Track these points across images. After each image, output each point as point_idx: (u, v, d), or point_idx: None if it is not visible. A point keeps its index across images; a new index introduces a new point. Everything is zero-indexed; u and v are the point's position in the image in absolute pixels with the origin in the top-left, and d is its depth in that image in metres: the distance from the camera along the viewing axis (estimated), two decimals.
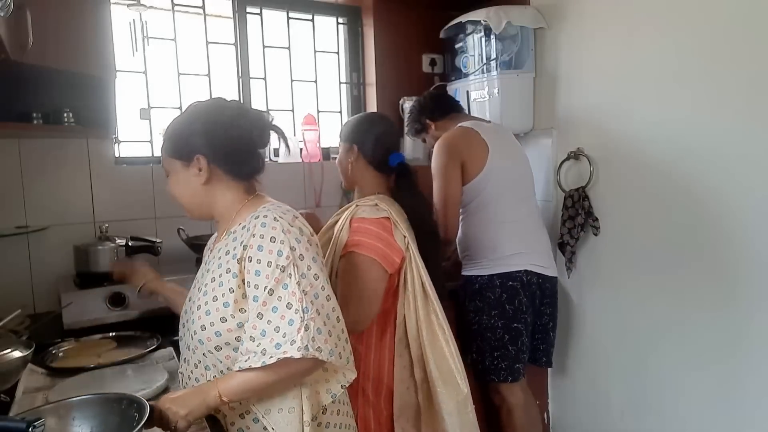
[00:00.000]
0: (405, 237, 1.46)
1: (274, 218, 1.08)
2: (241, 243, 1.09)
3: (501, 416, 2.15)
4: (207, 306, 1.10)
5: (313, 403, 1.11)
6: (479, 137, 2.04)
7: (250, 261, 1.06)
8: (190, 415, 1.02)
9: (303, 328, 1.01)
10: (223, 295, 1.08)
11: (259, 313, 1.03)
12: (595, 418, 2.34)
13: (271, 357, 1.00)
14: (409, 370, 1.51)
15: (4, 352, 1.18)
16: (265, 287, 1.03)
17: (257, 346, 1.02)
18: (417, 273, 1.47)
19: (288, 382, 1.09)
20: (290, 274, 1.04)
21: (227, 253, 1.12)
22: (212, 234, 1.36)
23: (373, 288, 1.42)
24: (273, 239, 1.06)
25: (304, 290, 1.03)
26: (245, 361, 1.02)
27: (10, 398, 1.17)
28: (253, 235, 1.07)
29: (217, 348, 1.09)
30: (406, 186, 1.57)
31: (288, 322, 1.01)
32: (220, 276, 1.11)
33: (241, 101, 1.35)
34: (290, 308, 1.02)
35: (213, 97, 1.27)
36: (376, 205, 1.46)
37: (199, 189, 1.17)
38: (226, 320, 1.07)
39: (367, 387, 1.46)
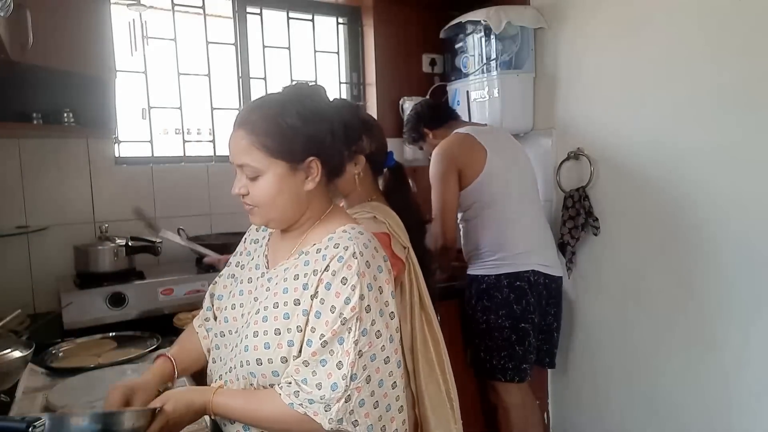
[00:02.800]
0: (405, 248, 1.40)
1: (353, 254, 0.96)
2: (314, 272, 0.98)
3: (498, 416, 2.15)
4: (267, 337, 0.98)
5: None
6: (476, 141, 2.06)
7: (316, 297, 0.96)
8: (175, 412, 0.94)
9: (344, 399, 0.91)
10: (288, 330, 0.97)
11: (305, 360, 0.94)
12: (595, 418, 2.34)
13: (300, 406, 0.92)
14: (407, 382, 1.42)
15: (4, 352, 1.18)
16: (321, 335, 0.93)
17: (295, 385, 0.93)
18: (416, 283, 1.42)
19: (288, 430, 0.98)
20: (350, 328, 0.93)
21: (297, 278, 1.00)
22: (241, 232, 1.24)
23: None
24: (344, 280, 0.95)
25: (360, 351, 0.93)
26: (278, 386, 0.95)
27: (10, 398, 1.17)
28: (327, 269, 0.96)
29: (258, 361, 0.99)
30: (402, 186, 1.52)
31: (332, 385, 0.92)
32: (286, 305, 0.99)
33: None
34: (339, 369, 0.92)
35: (308, 83, 1.09)
36: (375, 217, 1.38)
37: (303, 196, 1.02)
38: (282, 348, 0.97)
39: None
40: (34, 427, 0.81)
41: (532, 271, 2.04)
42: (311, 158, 1.00)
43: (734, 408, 1.86)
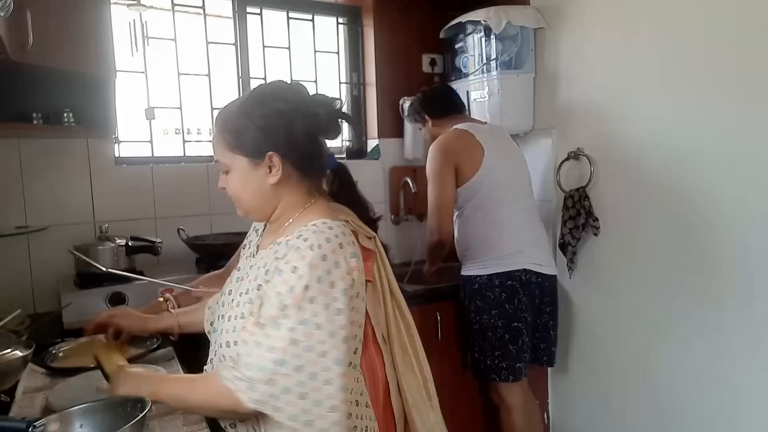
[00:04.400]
0: (371, 238, 1.33)
1: (310, 246, 0.97)
2: (276, 260, 1.01)
3: (500, 416, 2.15)
4: (235, 322, 1.04)
5: None
6: (474, 139, 2.06)
7: (269, 282, 0.99)
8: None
9: (269, 382, 0.93)
10: (251, 314, 1.01)
11: (245, 339, 0.98)
12: (595, 418, 2.34)
13: (229, 381, 0.96)
14: (393, 369, 1.46)
15: (4, 352, 1.18)
16: (262, 318, 0.97)
17: (231, 361, 0.99)
18: (383, 270, 1.37)
19: (223, 415, 1.05)
20: (288, 315, 0.94)
21: (264, 266, 1.04)
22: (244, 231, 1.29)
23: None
24: (295, 269, 0.96)
25: (295, 339, 0.93)
26: (223, 367, 1.00)
27: (10, 398, 1.16)
28: (284, 257, 0.99)
29: (227, 344, 1.06)
30: (349, 186, 1.40)
31: (260, 366, 0.94)
32: (250, 292, 1.05)
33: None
34: (270, 352, 0.94)
35: (276, 80, 1.12)
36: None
37: (268, 189, 1.06)
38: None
39: (364, 395, 1.43)
40: (34, 427, 0.81)
41: (524, 269, 2.04)
42: (270, 153, 1.02)
43: (735, 408, 1.86)
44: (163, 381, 1.12)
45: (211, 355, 1.14)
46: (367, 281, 1.32)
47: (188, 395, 1.05)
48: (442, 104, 2.24)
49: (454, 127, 2.12)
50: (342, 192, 1.41)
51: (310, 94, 1.09)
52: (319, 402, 0.95)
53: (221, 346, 1.05)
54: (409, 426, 1.40)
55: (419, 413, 1.38)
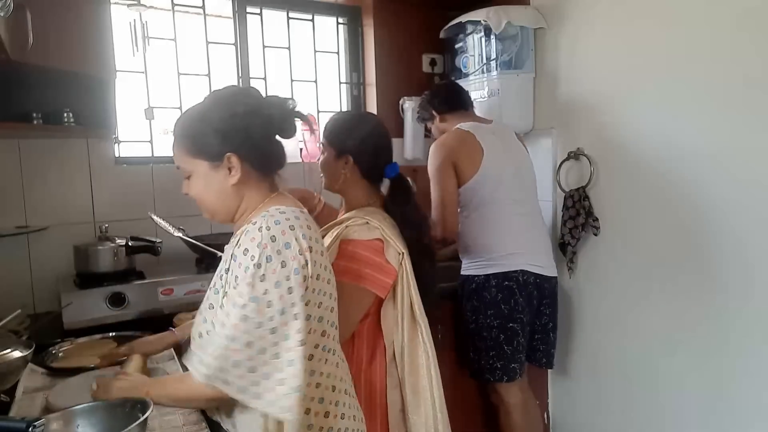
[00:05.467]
0: (400, 254, 1.36)
1: (259, 228, 1.01)
2: (232, 249, 1.06)
3: (499, 416, 2.15)
4: (204, 314, 1.08)
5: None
6: (474, 140, 2.05)
7: (228, 271, 1.04)
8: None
9: (219, 357, 0.98)
10: (218, 305, 1.05)
11: (206, 317, 1.05)
12: (595, 418, 2.34)
13: (192, 365, 1.03)
14: (399, 391, 1.41)
15: (4, 352, 1.18)
16: (222, 302, 1.02)
17: (200, 347, 1.04)
18: (407, 292, 1.38)
19: (209, 404, 1.11)
20: (241, 293, 0.98)
21: (226, 257, 1.09)
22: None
23: (353, 314, 1.33)
24: (246, 251, 1.00)
25: (245, 315, 0.97)
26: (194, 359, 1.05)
27: (10, 398, 1.16)
28: (237, 243, 1.04)
29: (200, 335, 1.09)
30: (400, 199, 1.44)
31: (214, 344, 0.99)
32: (215, 284, 1.10)
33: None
34: (222, 328, 0.99)
35: (230, 85, 1.18)
36: (368, 223, 1.35)
37: (229, 190, 1.09)
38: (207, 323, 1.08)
39: (344, 381, 1.41)
40: (34, 427, 0.81)
41: (521, 270, 2.03)
42: (228, 154, 1.06)
43: (735, 408, 1.86)
44: (150, 384, 1.15)
45: None
46: (377, 296, 1.35)
47: (175, 393, 1.11)
48: (450, 99, 2.23)
49: (457, 127, 2.12)
50: (393, 205, 1.44)
51: (264, 96, 1.13)
52: (267, 375, 0.97)
53: (194, 339, 1.08)
54: None
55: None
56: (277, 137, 1.13)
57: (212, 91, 1.14)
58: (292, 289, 0.99)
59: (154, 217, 1.89)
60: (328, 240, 1.37)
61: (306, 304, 1.02)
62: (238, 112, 1.06)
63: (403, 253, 1.37)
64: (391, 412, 1.40)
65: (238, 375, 0.97)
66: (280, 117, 1.10)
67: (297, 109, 1.14)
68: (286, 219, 1.04)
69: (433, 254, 1.52)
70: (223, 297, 1.03)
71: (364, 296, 1.34)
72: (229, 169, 1.07)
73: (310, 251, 1.03)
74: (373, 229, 1.34)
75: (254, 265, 0.98)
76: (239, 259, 1.00)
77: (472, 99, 2.40)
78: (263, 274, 0.98)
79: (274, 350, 0.97)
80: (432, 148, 2.10)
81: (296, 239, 1.02)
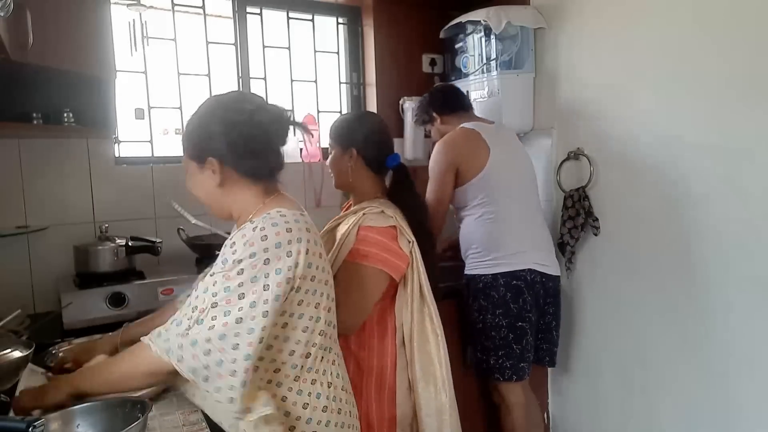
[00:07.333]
0: (410, 242, 1.46)
1: (254, 228, 1.04)
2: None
3: (500, 415, 2.15)
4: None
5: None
6: (480, 138, 2.05)
7: (216, 265, 1.07)
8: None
9: (180, 334, 1.01)
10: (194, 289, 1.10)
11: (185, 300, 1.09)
12: (595, 418, 2.34)
13: (147, 339, 1.05)
14: (406, 371, 1.51)
15: (4, 352, 1.18)
16: (201, 283, 1.06)
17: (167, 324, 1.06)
18: (417, 276, 1.48)
19: (145, 379, 1.09)
20: (215, 282, 1.02)
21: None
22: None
23: (372, 297, 1.43)
24: (232, 245, 1.04)
25: (215, 302, 1.00)
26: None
27: (10, 398, 1.16)
28: (232, 240, 1.06)
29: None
30: (404, 188, 1.56)
31: (178, 321, 1.03)
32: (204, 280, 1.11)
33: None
34: (193, 311, 1.02)
35: (233, 90, 1.24)
36: (383, 212, 1.45)
37: (215, 190, 1.14)
38: None
39: (370, 389, 1.46)
40: (34, 427, 0.81)
41: (529, 269, 2.04)
42: (209, 158, 1.11)
43: (735, 408, 1.86)
44: (75, 377, 1.12)
45: None
46: (392, 280, 1.45)
47: (110, 375, 1.09)
48: (450, 101, 2.24)
49: (461, 125, 2.12)
50: (396, 193, 1.56)
51: (263, 104, 1.15)
52: (220, 362, 0.99)
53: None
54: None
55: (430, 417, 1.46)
56: (271, 144, 1.16)
57: (214, 95, 1.18)
58: (268, 286, 1.01)
59: (175, 205, 1.93)
60: (344, 228, 1.45)
61: (298, 305, 1.07)
62: (225, 117, 1.10)
63: (412, 241, 1.47)
64: (399, 390, 1.49)
65: (193, 354, 0.99)
66: (269, 125, 1.13)
67: (293, 119, 1.19)
68: (285, 222, 1.06)
69: (434, 238, 1.65)
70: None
71: (382, 279, 1.43)
72: (212, 171, 1.12)
73: (306, 253, 1.06)
74: (387, 217, 1.44)
75: (235, 259, 1.01)
76: (224, 251, 1.05)
77: (472, 99, 2.41)
78: (242, 269, 1.01)
79: (234, 341, 0.99)
80: (438, 145, 2.10)
81: (290, 241, 1.04)
